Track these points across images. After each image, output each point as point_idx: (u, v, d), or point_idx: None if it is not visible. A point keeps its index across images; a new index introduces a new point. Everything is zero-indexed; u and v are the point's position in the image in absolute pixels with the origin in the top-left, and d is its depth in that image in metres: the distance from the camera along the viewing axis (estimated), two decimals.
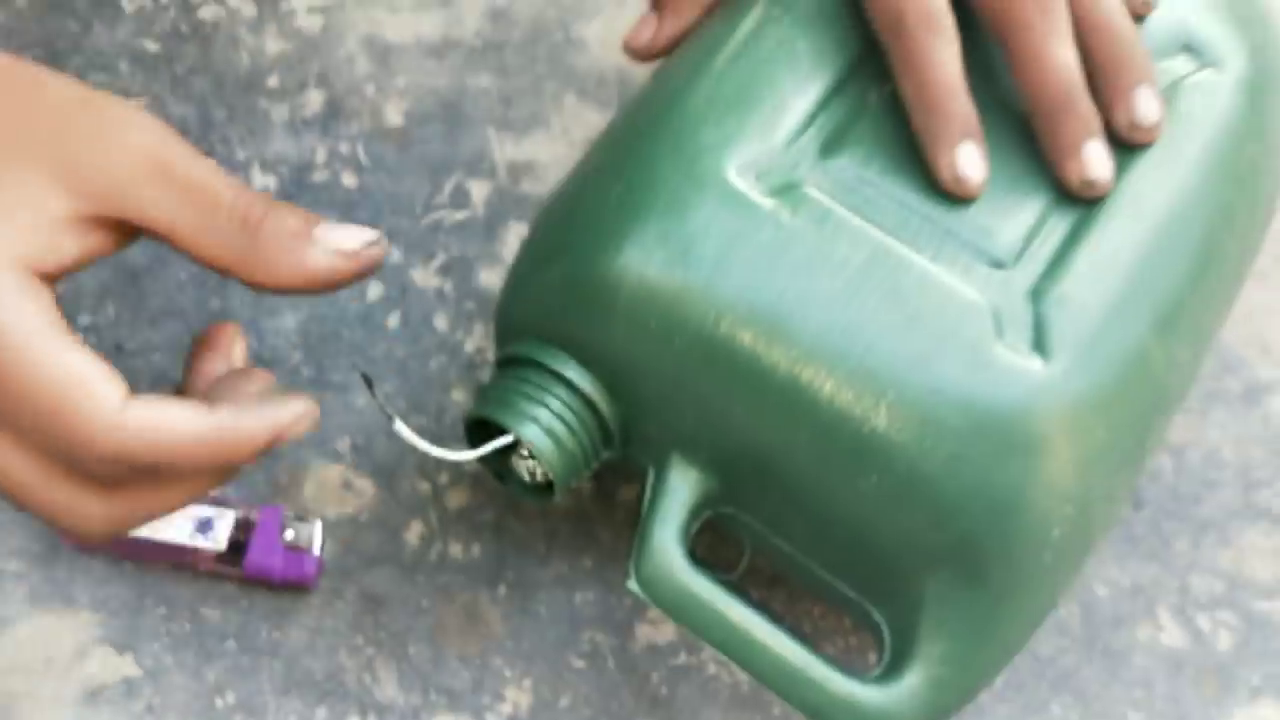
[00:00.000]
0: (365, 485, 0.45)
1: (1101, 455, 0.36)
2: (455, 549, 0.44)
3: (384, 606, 0.43)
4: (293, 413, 0.31)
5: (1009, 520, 0.35)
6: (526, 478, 0.39)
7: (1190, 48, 0.40)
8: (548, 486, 0.39)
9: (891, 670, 0.36)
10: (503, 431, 0.38)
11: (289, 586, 0.42)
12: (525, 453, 0.38)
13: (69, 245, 0.30)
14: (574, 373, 0.37)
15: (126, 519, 0.32)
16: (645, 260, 0.36)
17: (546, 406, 0.37)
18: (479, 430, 0.39)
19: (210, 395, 0.32)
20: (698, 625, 0.36)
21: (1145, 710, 0.44)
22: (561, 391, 0.37)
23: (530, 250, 0.39)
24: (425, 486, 0.45)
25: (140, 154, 0.30)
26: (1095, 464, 0.36)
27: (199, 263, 0.32)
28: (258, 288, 0.32)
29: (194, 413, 0.30)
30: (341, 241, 0.32)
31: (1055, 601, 0.38)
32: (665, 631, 0.43)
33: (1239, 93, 0.40)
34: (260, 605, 0.43)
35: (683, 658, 0.43)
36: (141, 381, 0.45)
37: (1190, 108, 0.39)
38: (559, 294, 0.37)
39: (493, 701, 0.42)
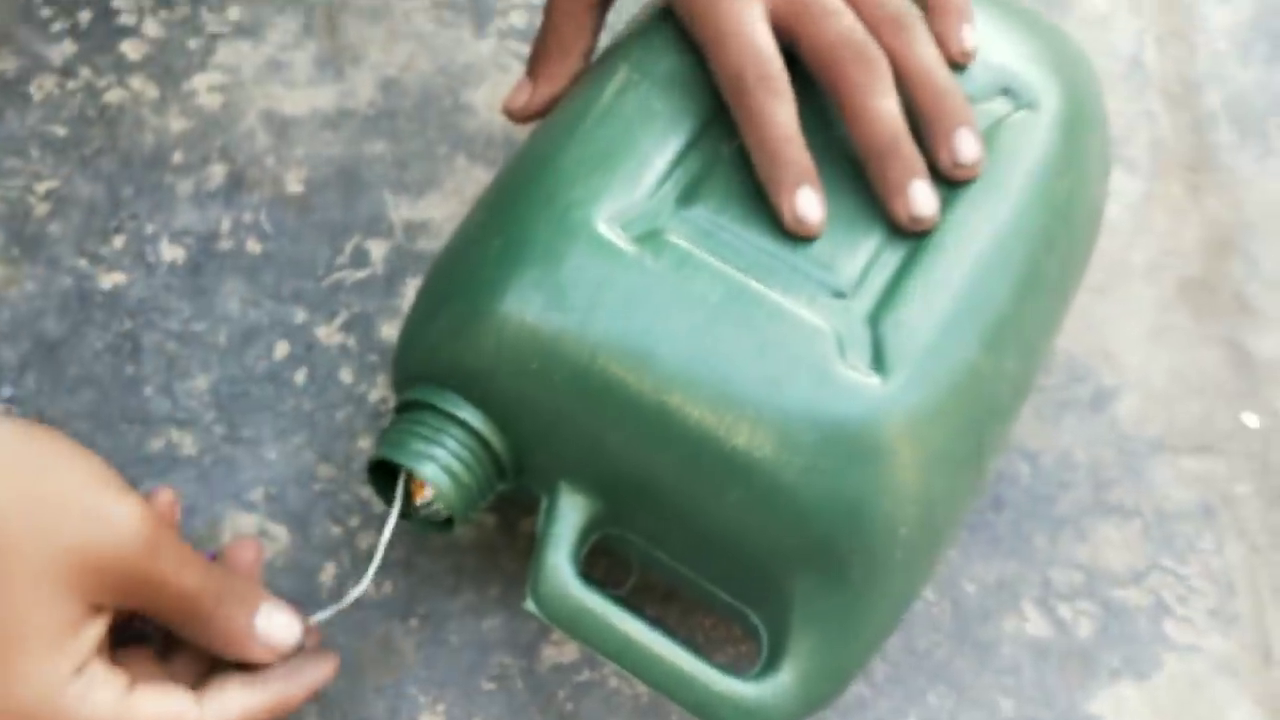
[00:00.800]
0: (280, 531, 0.48)
1: (940, 460, 0.40)
2: (368, 587, 0.47)
3: None
4: (325, 671, 0.42)
5: (860, 522, 0.39)
6: (426, 513, 0.43)
7: (1009, 90, 0.45)
8: (449, 520, 0.43)
9: (768, 667, 0.40)
10: (398, 470, 0.41)
11: None
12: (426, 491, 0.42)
13: (95, 628, 0.37)
14: (466, 413, 0.41)
15: None
16: (524, 305, 0.40)
17: (442, 446, 0.41)
18: (380, 470, 0.43)
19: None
20: (591, 638, 0.40)
21: (1015, 696, 0.48)
22: (456, 431, 0.41)
23: (421, 302, 0.43)
24: (337, 530, 0.48)
25: (129, 565, 0.37)
26: (935, 468, 0.40)
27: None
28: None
29: (253, 692, 0.40)
30: (274, 639, 0.40)
31: (912, 594, 0.42)
32: (568, 651, 0.47)
33: (1055, 130, 0.45)
34: None
35: (586, 674, 0.47)
36: None
37: (1010, 145, 0.44)
38: (448, 340, 0.41)
39: None
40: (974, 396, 0.41)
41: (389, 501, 0.43)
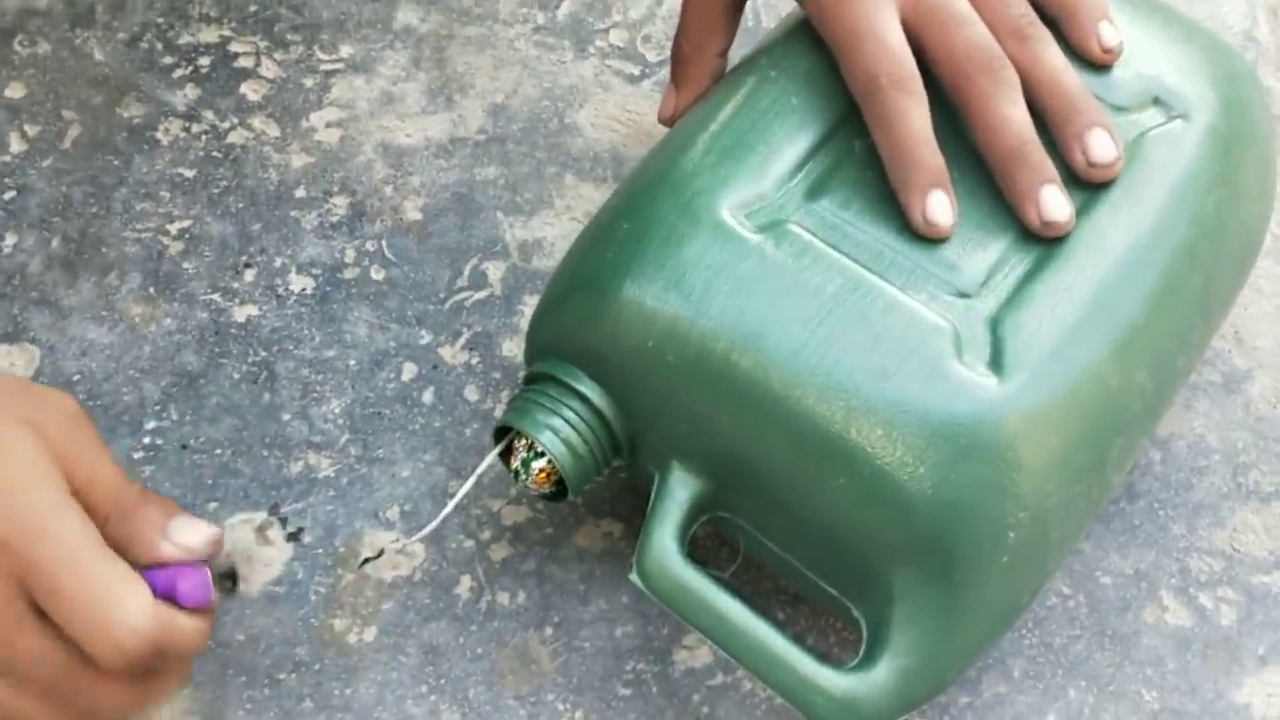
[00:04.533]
0: (416, 548, 0.51)
1: (1057, 467, 0.41)
2: (502, 598, 0.50)
3: (443, 656, 0.49)
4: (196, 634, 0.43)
5: (965, 521, 0.40)
6: (544, 481, 0.45)
7: (1161, 100, 0.46)
8: (564, 490, 0.46)
9: (865, 661, 0.41)
10: (524, 436, 0.45)
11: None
12: (543, 460, 0.44)
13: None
14: (585, 386, 0.44)
15: (134, 704, 0.43)
16: (644, 286, 0.43)
17: (561, 416, 0.44)
18: (506, 436, 0.46)
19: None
20: (688, 612, 0.42)
21: (1158, 687, 0.49)
22: (575, 403, 0.44)
23: (554, 280, 0.47)
24: (470, 544, 0.51)
25: (72, 433, 0.41)
26: (1051, 475, 0.41)
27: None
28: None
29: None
30: (188, 540, 0.42)
31: (1018, 603, 0.43)
32: (702, 655, 0.49)
33: (1206, 143, 0.45)
34: (331, 667, 0.49)
35: (719, 678, 0.49)
36: (208, 477, 0.52)
37: (1156, 156, 0.45)
38: (575, 317, 0.45)
39: None
40: (1098, 406, 0.42)
41: (509, 466, 0.46)
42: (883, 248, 0.44)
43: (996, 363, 0.41)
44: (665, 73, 0.61)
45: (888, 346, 0.41)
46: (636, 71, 0.61)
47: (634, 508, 0.51)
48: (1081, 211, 0.44)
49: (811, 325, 0.41)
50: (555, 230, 0.57)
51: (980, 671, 0.49)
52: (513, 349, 0.54)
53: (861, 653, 0.42)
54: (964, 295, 0.43)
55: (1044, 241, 0.44)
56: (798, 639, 0.42)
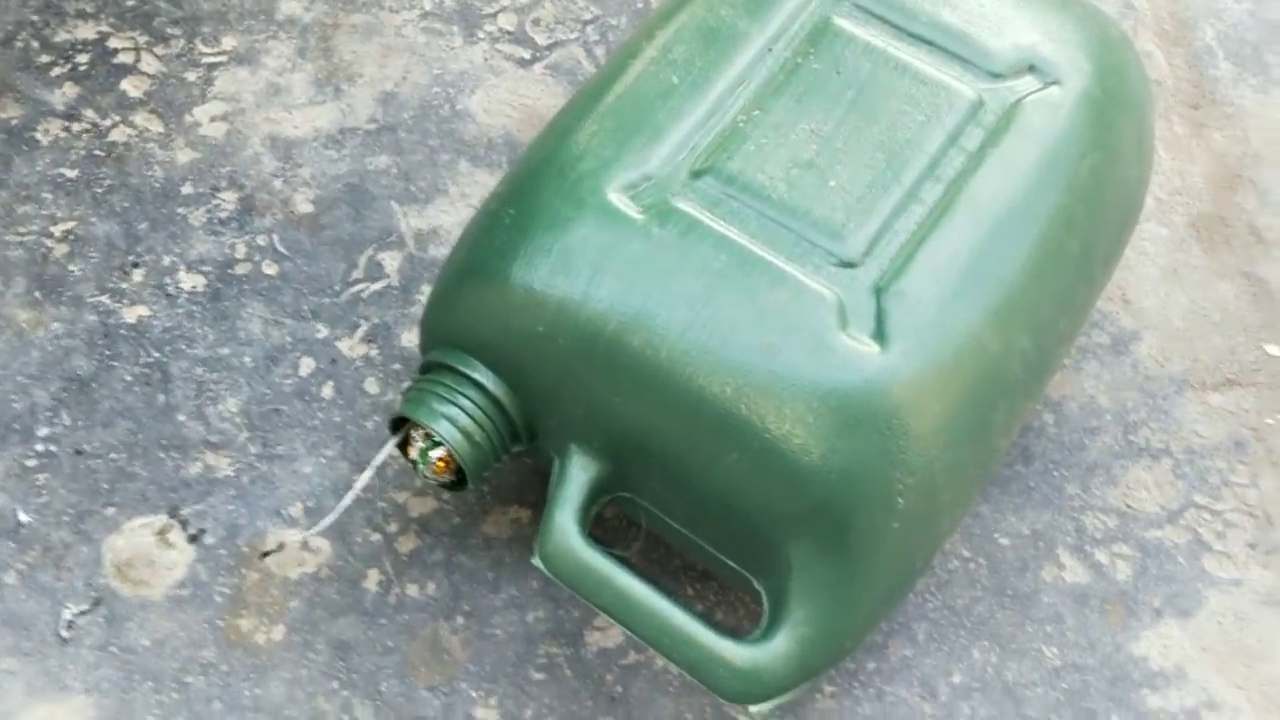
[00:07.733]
0: (321, 543, 0.51)
1: (939, 432, 0.43)
2: (412, 589, 0.51)
3: (353, 651, 0.49)
4: None
5: (855, 490, 0.42)
6: (443, 470, 0.46)
7: (1035, 68, 0.48)
8: (463, 479, 0.47)
9: (766, 633, 0.43)
10: (420, 427, 0.45)
11: None
12: (441, 450, 0.45)
13: None
14: (481, 374, 0.45)
15: None
16: (531, 272, 0.44)
17: (457, 405, 0.45)
18: (402, 428, 0.46)
19: None
20: (590, 594, 0.43)
21: (1058, 644, 0.51)
22: (471, 392, 0.45)
23: (444, 270, 0.48)
24: (377, 537, 0.51)
25: None
26: (933, 440, 0.43)
27: None
28: None
29: None
30: None
31: (913, 569, 0.45)
32: (613, 636, 0.50)
33: (1080, 108, 0.47)
34: (239, 667, 0.49)
35: (632, 657, 0.50)
36: (104, 481, 0.52)
37: (1030, 122, 0.47)
38: (466, 305, 0.46)
39: None
40: (980, 372, 0.44)
41: (407, 457, 0.47)
42: (768, 221, 0.45)
43: (880, 332, 0.43)
44: (556, 56, 0.62)
45: (773, 321, 0.42)
46: (527, 55, 0.62)
47: (541, 494, 0.52)
48: (960, 178, 0.45)
49: (699, 304, 0.42)
50: (451, 218, 0.58)
51: (886, 636, 0.51)
52: (413, 340, 0.55)
53: (763, 625, 0.43)
54: (848, 265, 0.44)
55: (925, 207, 0.45)
56: (706, 614, 0.43)
